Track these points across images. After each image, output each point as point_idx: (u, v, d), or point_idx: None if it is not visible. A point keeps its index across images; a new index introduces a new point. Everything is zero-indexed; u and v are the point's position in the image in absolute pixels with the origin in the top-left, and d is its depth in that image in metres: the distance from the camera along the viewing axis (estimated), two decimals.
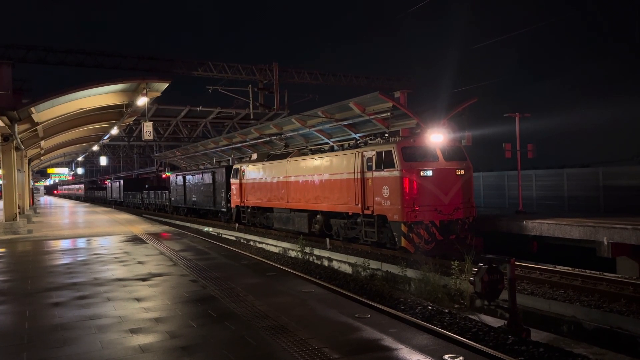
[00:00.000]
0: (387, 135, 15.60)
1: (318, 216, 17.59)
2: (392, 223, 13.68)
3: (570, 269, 11.76)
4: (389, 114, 16.05)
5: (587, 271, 11.44)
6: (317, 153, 17.95)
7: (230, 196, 25.35)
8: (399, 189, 13.42)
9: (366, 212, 14.68)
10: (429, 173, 13.60)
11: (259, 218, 22.50)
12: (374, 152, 14.43)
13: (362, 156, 14.87)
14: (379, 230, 14.38)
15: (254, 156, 23.65)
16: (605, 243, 12.30)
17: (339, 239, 16.63)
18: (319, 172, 17.11)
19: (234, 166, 24.65)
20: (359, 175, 14.93)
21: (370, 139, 15.88)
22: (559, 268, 11.85)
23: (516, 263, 9.60)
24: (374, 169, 14.39)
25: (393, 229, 13.65)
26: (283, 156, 20.27)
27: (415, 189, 13.41)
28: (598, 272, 11.30)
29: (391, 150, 13.81)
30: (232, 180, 24.57)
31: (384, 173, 13.96)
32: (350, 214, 15.74)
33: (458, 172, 14.04)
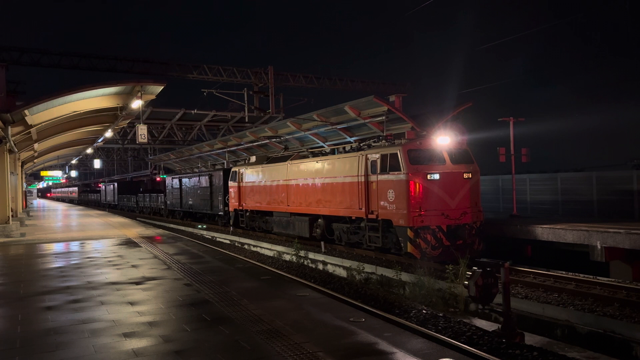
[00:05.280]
0: (384, 137, 15.54)
1: (319, 220, 17.30)
2: (397, 228, 13.34)
3: (564, 272, 11.80)
4: (384, 117, 16.05)
5: (581, 275, 11.47)
6: (319, 156, 17.71)
7: (228, 199, 25.12)
8: (405, 193, 13.11)
9: (370, 216, 14.34)
10: (436, 176, 13.31)
11: (258, 222, 22.21)
12: (378, 155, 14.13)
13: (366, 159, 14.58)
14: (384, 235, 14.03)
15: (253, 159, 23.44)
16: (599, 247, 12.35)
17: (341, 243, 16.37)
18: (320, 175, 16.80)
19: (232, 169, 24.32)
20: (362, 179, 14.63)
21: (374, 142, 15.63)
22: (552, 272, 11.88)
23: (510, 267, 9.62)
24: (378, 172, 14.07)
25: (398, 234, 13.32)
26: (283, 159, 20.03)
27: (421, 192, 13.08)
28: (592, 276, 11.34)
29: (397, 153, 13.50)
30: (231, 184, 24.25)
31: (389, 176, 13.66)
32: (353, 218, 15.42)
33: (465, 176, 13.77)
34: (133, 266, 10.16)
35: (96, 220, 26.63)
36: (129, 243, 14.56)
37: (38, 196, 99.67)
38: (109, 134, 23.18)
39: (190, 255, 11.94)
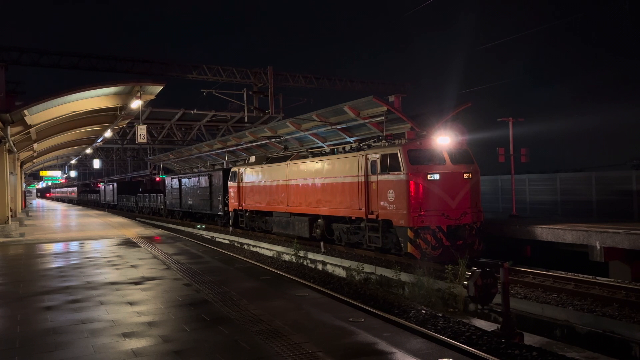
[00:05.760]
0: (384, 137, 15.54)
1: (319, 220, 17.25)
2: (397, 228, 13.33)
3: (563, 273, 11.81)
4: (383, 117, 16.06)
5: (580, 275, 11.48)
6: (319, 156, 17.67)
7: (227, 200, 25.06)
8: (405, 193, 13.10)
9: (370, 216, 14.32)
10: (436, 176, 13.30)
11: (257, 222, 22.15)
12: (378, 155, 14.12)
13: (366, 159, 14.56)
14: (384, 236, 14.02)
15: (253, 159, 23.40)
16: (598, 247, 12.36)
17: (341, 244, 16.34)
18: (320, 175, 16.77)
19: (232, 169, 24.26)
20: (362, 179, 14.61)
21: (374, 142, 15.62)
22: (552, 272, 11.89)
23: (510, 267, 9.62)
24: (378, 172, 14.05)
25: (398, 234, 13.31)
26: (283, 159, 19.98)
27: (421, 192, 13.07)
28: (591, 276, 11.35)
29: (397, 153, 13.50)
30: (230, 184, 24.20)
31: (389, 176, 13.65)
32: (353, 218, 15.39)
33: (465, 176, 13.77)
34: (132, 266, 10.16)
35: (95, 220, 26.62)
36: (128, 243, 14.56)
37: (37, 196, 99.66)
38: (108, 134, 23.16)
39: (189, 255, 11.94)
